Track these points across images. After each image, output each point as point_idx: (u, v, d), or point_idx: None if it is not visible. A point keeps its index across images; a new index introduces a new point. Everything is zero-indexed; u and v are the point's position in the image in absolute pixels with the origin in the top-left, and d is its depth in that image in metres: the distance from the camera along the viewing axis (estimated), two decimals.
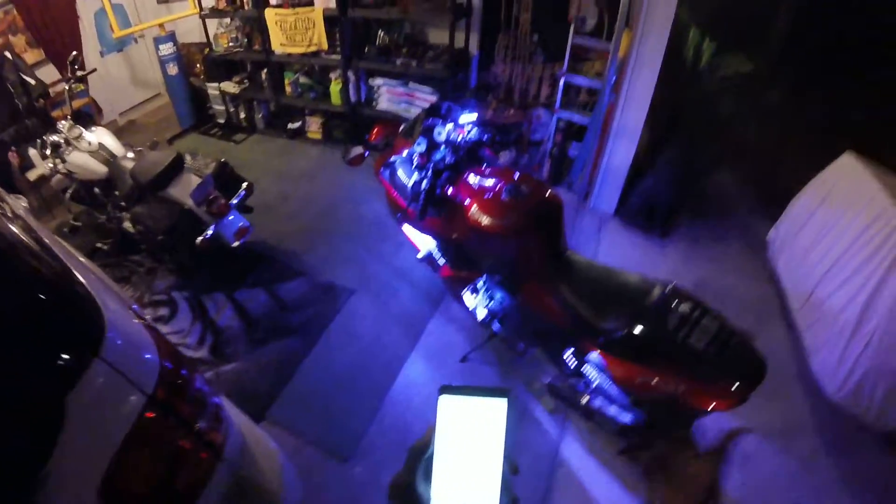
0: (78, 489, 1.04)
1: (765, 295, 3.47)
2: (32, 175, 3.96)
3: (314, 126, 5.43)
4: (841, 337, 2.58)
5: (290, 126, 5.52)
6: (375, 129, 3.13)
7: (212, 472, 1.34)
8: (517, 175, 2.42)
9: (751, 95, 3.96)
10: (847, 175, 3.10)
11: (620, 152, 3.94)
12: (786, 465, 2.51)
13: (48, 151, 3.50)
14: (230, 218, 3.25)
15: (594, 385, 2.25)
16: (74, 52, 3.68)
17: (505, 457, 0.62)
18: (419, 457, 0.64)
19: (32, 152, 3.78)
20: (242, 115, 5.77)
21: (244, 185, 3.45)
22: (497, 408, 0.63)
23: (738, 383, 1.75)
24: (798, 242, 3.24)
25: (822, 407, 2.71)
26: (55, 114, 4.29)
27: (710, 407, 1.79)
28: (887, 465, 2.50)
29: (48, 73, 4.70)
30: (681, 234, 4.06)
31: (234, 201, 3.32)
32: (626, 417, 2.22)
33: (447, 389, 0.64)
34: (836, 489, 2.41)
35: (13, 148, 3.95)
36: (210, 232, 3.16)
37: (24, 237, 1.35)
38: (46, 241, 1.47)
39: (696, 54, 3.97)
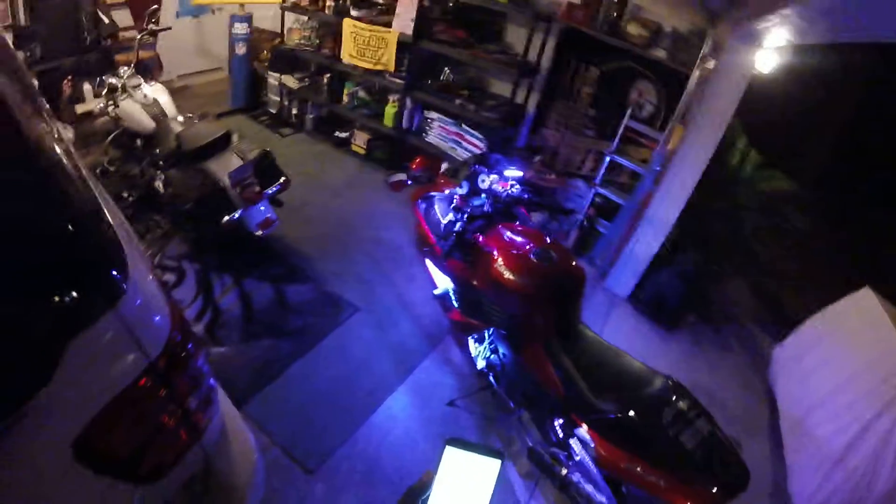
0: (53, 435, 1.00)
1: (756, 408, 3.46)
2: (80, 108, 3.98)
3: (360, 140, 5.52)
4: (824, 465, 2.57)
5: (337, 134, 5.62)
6: (418, 160, 3.17)
7: (185, 454, 1.31)
8: (548, 240, 2.45)
9: (783, 213, 4.00)
10: (862, 309, 3.12)
11: (647, 241, 3.97)
12: None
13: (104, 91, 3.54)
14: (260, 207, 3.29)
15: (577, 459, 2.22)
16: (154, 6, 3.76)
17: None
18: (416, 497, 0.70)
19: (87, 87, 3.83)
20: (294, 111, 5.89)
21: (282, 179, 3.50)
22: (491, 467, 0.70)
23: (719, 489, 1.73)
24: (801, 365, 3.25)
25: None
26: (118, 58, 4.34)
27: None
28: None
29: (122, 17, 4.76)
30: (686, 332, 4.05)
31: (269, 192, 3.36)
32: (601, 498, 2.18)
33: (453, 442, 0.71)
34: None
35: (69, 77, 3.99)
36: (237, 215, 3.19)
37: (67, 162, 1.28)
38: (84, 172, 1.38)
39: (741, 163, 4.03)
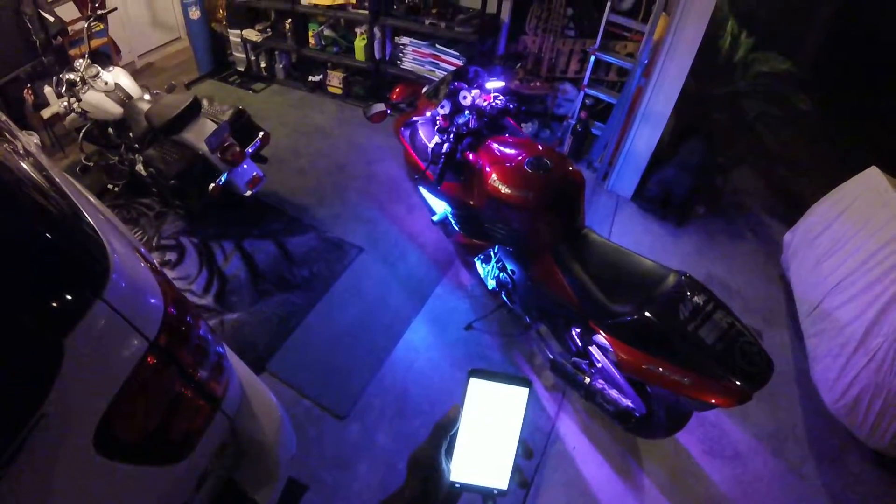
0: (73, 433, 1.02)
1: (773, 296, 3.45)
2: (46, 113, 3.93)
3: (335, 81, 5.32)
4: (845, 349, 2.56)
5: (310, 79, 5.41)
6: (398, 89, 3.06)
7: (209, 423, 1.34)
8: (541, 147, 2.37)
9: (782, 96, 3.84)
10: (870, 189, 3.05)
11: (644, 137, 3.85)
12: (775, 467, 2.52)
13: (63, 89, 3.45)
14: (244, 166, 3.23)
15: (598, 366, 2.24)
16: None
17: (520, 441, 0.67)
18: (444, 433, 0.68)
19: (48, 90, 3.75)
20: (263, 65, 5.64)
21: (260, 134, 3.41)
22: (519, 395, 0.67)
23: (743, 381, 1.72)
24: (813, 249, 3.20)
25: (816, 415, 2.72)
26: (72, 52, 4.24)
27: (713, 401, 1.76)
28: (872, 481, 2.50)
29: (67, 11, 4.55)
30: (695, 226, 4.00)
31: (249, 150, 3.29)
32: (627, 402, 2.21)
33: (476, 373, 0.67)
34: (820, 498, 2.42)
35: (28, 85, 3.91)
36: (222, 179, 3.13)
37: (33, 174, 1.32)
38: (56, 179, 1.43)
39: (733, 47, 3.83)
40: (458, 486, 0.67)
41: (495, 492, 0.67)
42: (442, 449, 0.67)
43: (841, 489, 2.45)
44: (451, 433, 0.68)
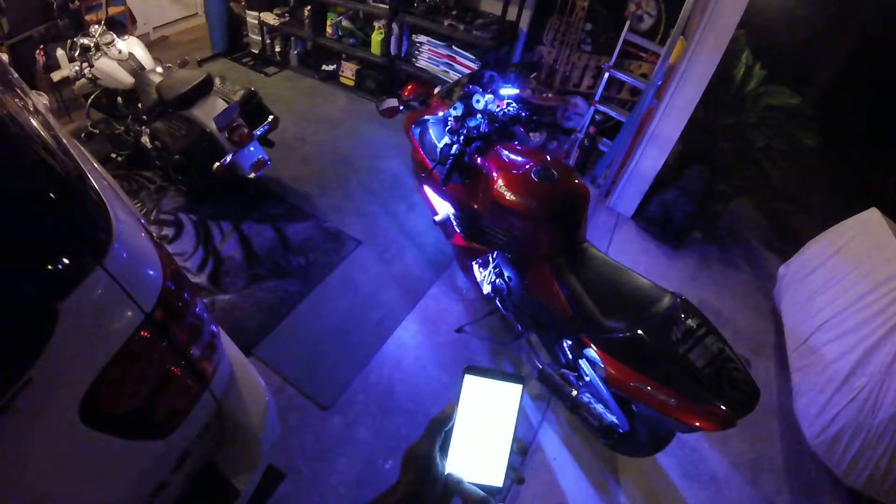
0: (59, 400, 1.01)
1: (762, 328, 3.48)
2: (56, 76, 3.90)
3: (348, 72, 5.32)
4: (829, 386, 2.59)
5: (324, 67, 5.41)
6: (410, 86, 3.06)
7: (196, 402, 1.33)
8: (549, 158, 2.37)
9: (789, 131, 3.87)
10: (868, 230, 3.07)
11: (650, 158, 3.87)
12: (750, 497, 2.53)
13: (77, 54, 3.44)
14: (250, 149, 3.21)
15: (586, 380, 2.25)
16: None
17: (514, 438, 0.68)
18: (440, 429, 0.68)
19: (60, 53, 3.73)
20: (277, 49, 5.65)
21: (270, 118, 3.40)
22: (513, 392, 0.68)
23: (728, 407, 1.73)
24: (806, 285, 3.23)
25: (795, 449, 2.74)
26: (89, 17, 4.22)
27: (697, 424, 1.77)
28: None
29: None
30: (692, 251, 4.03)
31: (258, 132, 3.28)
32: (611, 418, 2.22)
33: (471, 370, 0.68)
34: None
35: (41, 46, 3.88)
36: (228, 159, 3.12)
37: (43, 132, 1.30)
38: (64, 140, 1.41)
39: (745, 77, 3.86)
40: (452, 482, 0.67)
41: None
42: (437, 445, 0.67)
43: None
44: (447, 429, 0.68)
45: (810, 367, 2.80)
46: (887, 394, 2.31)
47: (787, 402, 2.90)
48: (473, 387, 0.68)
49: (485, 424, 0.67)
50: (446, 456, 0.67)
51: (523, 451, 0.69)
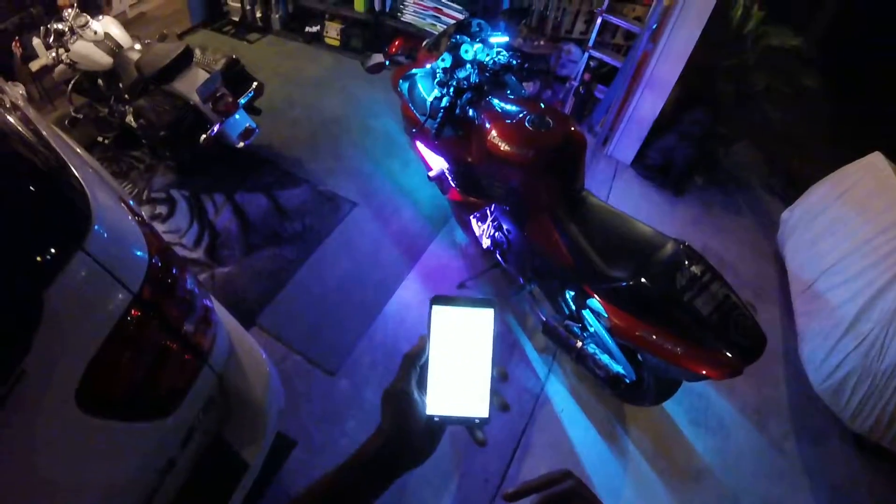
0: (55, 389, 1.00)
1: (766, 272, 3.45)
2: (35, 65, 3.78)
3: (332, 32, 5.14)
4: (835, 331, 2.58)
5: (307, 29, 5.23)
6: (397, 42, 2.95)
7: (195, 378, 1.32)
8: (543, 106, 2.30)
9: (789, 73, 3.74)
10: (872, 174, 3.01)
11: (648, 104, 3.77)
12: (757, 441, 2.56)
13: (52, 40, 3.32)
14: (236, 117, 3.14)
15: (591, 331, 2.23)
16: None
17: (494, 364, 0.66)
18: (413, 364, 0.67)
19: (36, 42, 3.61)
20: (258, 15, 5.43)
21: (254, 84, 3.32)
22: (485, 317, 0.66)
23: (735, 355, 1.71)
24: (810, 229, 3.19)
25: (801, 394, 2.75)
26: (61, 2, 4.06)
27: (704, 372, 1.76)
28: (851, 463, 2.54)
29: None
30: (694, 196, 3.98)
31: (242, 101, 3.20)
32: (617, 368, 2.22)
33: (438, 300, 0.66)
34: (799, 474, 2.47)
35: (16, 37, 3.77)
36: (214, 130, 3.06)
37: (19, 127, 1.27)
38: (43, 131, 1.38)
39: (743, 18, 3.71)
40: (437, 419, 0.65)
41: (476, 420, 0.65)
42: (412, 381, 0.66)
43: (820, 468, 2.49)
44: (421, 364, 0.66)
45: (815, 312, 2.79)
46: (894, 339, 2.30)
47: (792, 347, 2.90)
48: (443, 317, 0.66)
49: (461, 355, 0.65)
50: (425, 392, 0.65)
51: (504, 376, 0.67)
